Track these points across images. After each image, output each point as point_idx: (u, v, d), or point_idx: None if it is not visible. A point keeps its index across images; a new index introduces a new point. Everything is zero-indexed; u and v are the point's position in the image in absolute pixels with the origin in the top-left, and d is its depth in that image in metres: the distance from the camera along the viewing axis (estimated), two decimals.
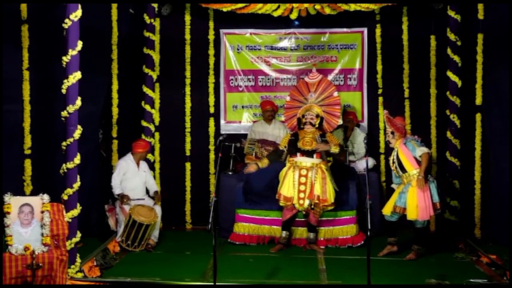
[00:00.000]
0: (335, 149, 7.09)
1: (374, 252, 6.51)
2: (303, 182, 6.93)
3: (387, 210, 6.74)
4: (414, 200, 6.50)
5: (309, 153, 7.07)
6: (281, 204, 7.04)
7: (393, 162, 6.74)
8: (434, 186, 6.59)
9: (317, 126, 7.16)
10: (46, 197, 5.41)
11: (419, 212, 6.48)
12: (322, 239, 7.26)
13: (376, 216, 7.07)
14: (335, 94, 7.35)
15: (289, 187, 6.97)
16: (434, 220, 8.03)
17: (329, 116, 7.31)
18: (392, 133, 6.74)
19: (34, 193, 5.84)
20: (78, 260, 5.81)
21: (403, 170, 6.63)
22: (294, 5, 7.69)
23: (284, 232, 7.16)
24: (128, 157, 7.41)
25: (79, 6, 5.61)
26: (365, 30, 8.48)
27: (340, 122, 8.09)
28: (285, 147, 7.23)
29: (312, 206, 6.93)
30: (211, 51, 8.55)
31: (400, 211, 6.62)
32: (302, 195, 6.92)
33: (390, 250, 6.83)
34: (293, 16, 7.99)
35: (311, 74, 7.54)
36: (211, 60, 8.56)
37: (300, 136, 7.17)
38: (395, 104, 8.32)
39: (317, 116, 7.19)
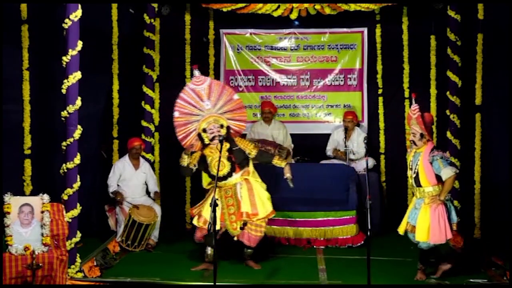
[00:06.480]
0: (254, 153, 6.25)
1: (374, 252, 6.49)
2: (231, 204, 6.18)
3: (401, 228, 5.92)
4: (426, 220, 5.66)
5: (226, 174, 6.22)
6: (196, 224, 6.28)
7: (411, 169, 5.83)
8: (452, 204, 5.76)
9: (225, 137, 6.11)
10: (46, 197, 5.42)
11: (430, 234, 5.63)
12: (322, 239, 7.26)
13: (376, 216, 7.09)
14: (235, 97, 6.31)
15: (207, 208, 6.07)
16: None
17: (235, 123, 6.34)
18: (422, 135, 5.75)
19: (34, 193, 5.83)
20: (78, 260, 5.80)
21: (418, 183, 5.76)
22: (294, 5, 7.69)
23: (209, 248, 6.25)
24: (124, 158, 7.42)
25: (79, 6, 5.61)
26: (365, 30, 8.48)
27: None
28: (195, 165, 6.26)
29: (242, 226, 6.18)
30: (211, 51, 8.55)
31: (410, 230, 5.83)
32: (233, 218, 6.17)
33: (420, 277, 5.89)
34: (293, 16, 7.99)
35: (195, 78, 6.28)
36: (211, 60, 8.56)
37: (207, 158, 6.20)
38: (395, 104, 8.34)
39: (222, 126, 6.18)
